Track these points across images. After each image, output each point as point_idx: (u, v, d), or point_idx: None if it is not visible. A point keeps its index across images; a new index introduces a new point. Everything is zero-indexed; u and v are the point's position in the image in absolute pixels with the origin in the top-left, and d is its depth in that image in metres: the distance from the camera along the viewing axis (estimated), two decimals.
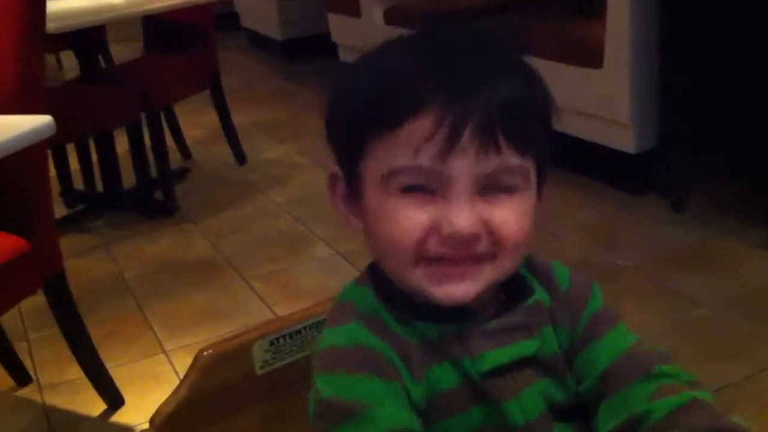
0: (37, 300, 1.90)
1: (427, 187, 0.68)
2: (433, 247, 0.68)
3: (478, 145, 0.66)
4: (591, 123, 2.96)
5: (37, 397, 2.09)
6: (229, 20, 6.18)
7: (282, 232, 2.96)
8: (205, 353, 0.83)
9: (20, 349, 2.19)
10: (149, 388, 2.05)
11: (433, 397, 0.70)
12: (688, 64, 2.63)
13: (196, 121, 4.13)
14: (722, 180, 2.79)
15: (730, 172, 2.76)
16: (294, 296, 2.46)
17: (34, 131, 1.52)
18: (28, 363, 2.19)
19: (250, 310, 2.40)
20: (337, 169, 0.75)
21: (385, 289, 0.74)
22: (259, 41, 6.12)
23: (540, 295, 0.77)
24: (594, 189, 2.99)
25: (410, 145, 0.67)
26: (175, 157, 3.66)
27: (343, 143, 0.74)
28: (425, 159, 0.66)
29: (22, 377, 2.14)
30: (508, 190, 0.69)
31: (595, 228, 2.74)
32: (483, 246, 0.69)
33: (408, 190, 0.68)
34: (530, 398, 0.73)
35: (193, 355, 0.86)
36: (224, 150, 3.76)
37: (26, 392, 2.11)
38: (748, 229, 2.51)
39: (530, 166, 0.71)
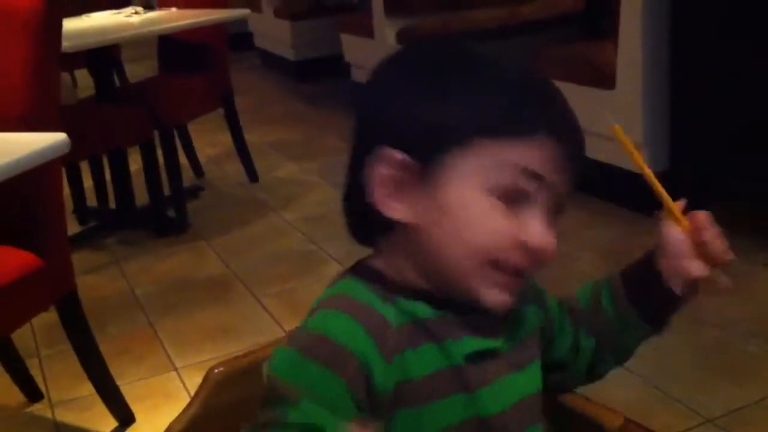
0: (49, 317, 1.91)
1: (522, 195, 0.71)
2: (513, 257, 0.71)
3: (572, 169, 0.73)
4: (604, 144, 2.95)
5: (47, 414, 2.09)
6: (243, 40, 6.22)
7: (293, 251, 2.96)
8: (216, 371, 0.83)
9: (32, 365, 2.20)
10: (160, 406, 2.05)
11: (405, 383, 0.70)
12: (700, 84, 2.63)
13: (209, 139, 4.15)
14: (734, 200, 2.78)
15: (742, 192, 2.75)
16: (305, 315, 2.45)
17: (49, 149, 1.53)
18: (39, 379, 2.19)
19: (260, 328, 2.40)
20: (396, 152, 0.71)
21: (374, 276, 0.75)
22: (272, 61, 6.16)
23: None
24: (607, 209, 2.99)
25: (522, 152, 0.70)
26: (187, 175, 3.68)
27: (436, 128, 0.71)
28: (533, 167, 0.70)
29: (33, 394, 2.14)
30: (562, 208, 0.75)
31: (609, 248, 2.73)
32: (537, 264, 0.73)
33: (505, 192, 0.70)
34: (503, 388, 0.76)
35: (204, 373, 0.86)
36: (237, 168, 3.77)
37: (37, 408, 2.12)
38: (759, 250, 2.50)
39: None
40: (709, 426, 1.80)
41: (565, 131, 0.73)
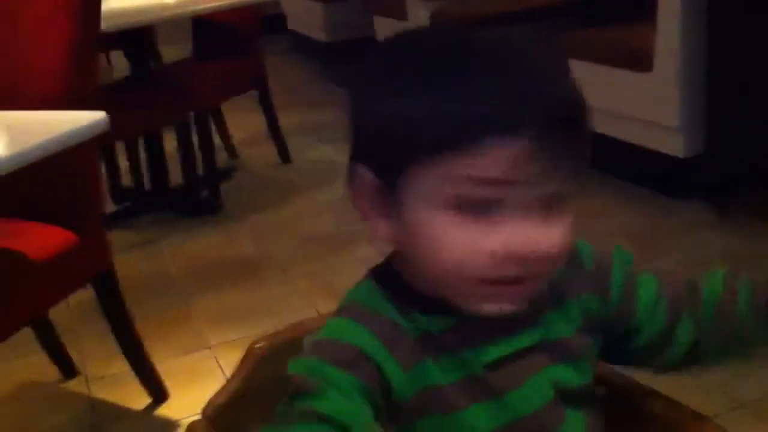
0: (86, 294, 1.93)
1: (484, 203, 0.65)
2: (489, 267, 0.66)
3: (542, 164, 0.64)
4: (639, 127, 2.93)
5: (83, 390, 2.12)
6: (277, 22, 6.22)
7: (325, 232, 2.97)
8: (258, 346, 0.84)
9: (68, 342, 2.23)
10: (193, 383, 2.07)
11: (424, 391, 0.70)
12: (738, 68, 2.59)
13: (242, 121, 4.16)
14: None
15: None
16: (336, 295, 2.43)
17: (89, 127, 1.54)
18: (75, 356, 2.22)
19: (292, 308, 2.42)
20: (366, 172, 0.70)
21: (388, 283, 0.74)
22: (305, 43, 6.15)
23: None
24: (637, 193, 2.96)
25: (471, 161, 0.64)
26: (221, 157, 3.70)
27: (385, 158, 0.69)
28: (486, 173, 0.64)
29: (69, 370, 2.18)
30: (561, 200, 0.68)
31: (638, 232, 2.72)
32: (532, 269, 0.67)
33: (464, 205, 0.65)
34: (535, 387, 0.73)
35: (238, 351, 0.87)
36: (269, 150, 3.79)
37: (73, 385, 2.15)
38: None
39: (578, 177, 0.69)
40: (743, 411, 1.78)
41: (529, 125, 0.63)
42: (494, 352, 0.71)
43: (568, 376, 0.75)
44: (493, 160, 0.63)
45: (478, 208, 0.65)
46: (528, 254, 0.66)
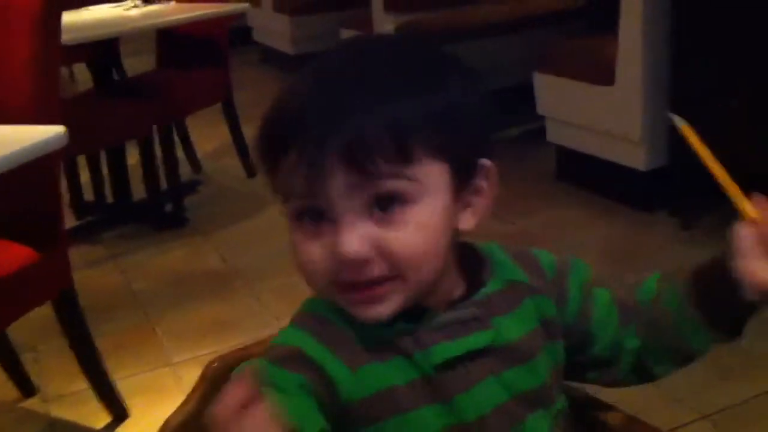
0: (45, 311, 1.90)
1: (316, 211, 0.70)
2: (338, 273, 0.70)
3: (344, 167, 0.67)
4: (602, 140, 2.96)
5: (41, 408, 2.08)
6: (242, 34, 6.20)
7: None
8: (214, 365, 0.83)
9: (26, 360, 2.19)
10: (155, 401, 2.04)
11: (376, 394, 0.71)
12: (700, 81, 2.62)
13: (207, 134, 4.14)
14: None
15: (742, 189, 2.74)
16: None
17: (47, 141, 1.52)
18: (34, 374, 2.18)
19: (259, 323, 2.40)
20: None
21: None
22: (271, 56, 6.14)
23: (509, 275, 0.79)
24: (605, 206, 2.98)
25: (287, 176, 0.69)
26: (185, 170, 3.67)
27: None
28: (299, 185, 0.69)
29: (27, 389, 2.13)
30: (402, 200, 0.69)
31: (605, 244, 2.73)
32: (380, 269, 0.69)
33: (302, 215, 0.71)
34: (484, 392, 0.74)
35: (200, 369, 0.86)
36: (235, 163, 3.76)
37: (31, 403, 2.11)
38: None
39: (430, 172, 0.70)
40: (705, 422, 1.80)
41: (309, 136, 0.68)
42: (443, 353, 0.73)
43: (522, 378, 0.76)
44: (293, 174, 0.68)
45: (308, 218, 0.70)
46: (360, 258, 0.68)
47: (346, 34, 4.84)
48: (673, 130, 2.90)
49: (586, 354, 0.82)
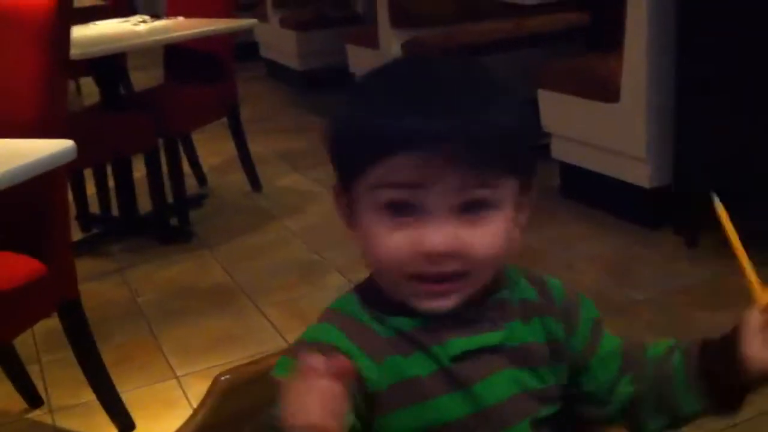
0: (51, 323, 1.91)
1: (405, 204, 0.73)
2: (414, 266, 0.74)
3: (453, 171, 0.71)
4: (607, 157, 2.97)
5: (48, 420, 2.09)
6: (249, 50, 6.23)
7: (296, 260, 2.97)
8: (223, 378, 0.83)
9: (33, 371, 2.20)
10: (160, 414, 2.04)
11: (399, 383, 0.75)
12: (705, 99, 2.63)
13: (213, 148, 4.16)
14: (738, 216, 2.78)
15: (746, 208, 2.74)
16: (308, 324, 2.45)
17: (56, 156, 1.53)
18: (40, 386, 2.19)
19: (263, 338, 2.40)
20: (338, 185, 0.80)
21: (368, 294, 0.81)
22: (277, 71, 6.17)
23: (524, 294, 0.84)
24: (609, 222, 2.99)
25: (393, 169, 0.72)
26: (191, 184, 3.69)
27: (341, 164, 0.79)
28: (405, 179, 0.72)
29: (33, 400, 2.14)
30: (486, 206, 0.74)
31: (610, 261, 2.74)
32: (454, 266, 0.74)
33: (389, 206, 0.74)
34: (499, 382, 0.79)
35: (205, 382, 0.86)
36: (240, 178, 3.78)
37: (37, 415, 2.12)
38: (762, 267, 2.49)
39: (507, 185, 0.76)
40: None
41: (425, 136, 0.71)
42: (459, 346, 0.77)
43: (529, 379, 0.81)
44: (405, 166, 0.71)
45: (402, 211, 0.73)
46: (444, 252, 0.73)
47: (353, 50, 4.87)
48: (678, 149, 2.91)
49: (580, 388, 0.85)
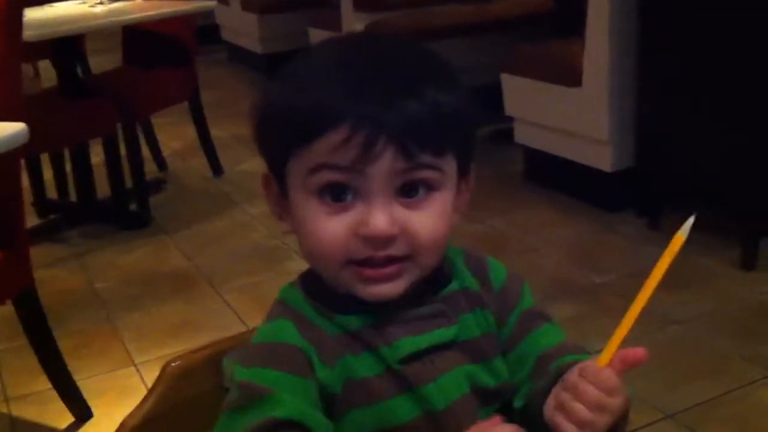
0: (6, 311, 1.87)
1: (344, 187, 0.70)
2: (356, 250, 0.71)
3: (392, 150, 0.69)
4: (570, 141, 2.97)
5: (3, 409, 2.05)
6: (210, 33, 6.16)
7: (257, 246, 2.94)
8: (173, 365, 0.82)
9: None
10: (118, 401, 2.01)
11: (350, 384, 0.73)
12: (666, 84, 2.65)
13: (173, 133, 4.10)
14: (698, 199, 2.80)
15: (706, 191, 2.77)
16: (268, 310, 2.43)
17: (8, 138, 1.50)
18: None
19: (223, 324, 2.37)
20: (268, 174, 0.77)
21: (312, 287, 0.78)
22: (239, 55, 6.11)
23: (465, 283, 0.81)
24: (572, 206, 3.00)
25: (326, 150, 0.69)
26: (151, 169, 3.63)
27: (271, 149, 0.76)
28: (340, 161, 0.69)
29: None
30: (425, 187, 0.72)
31: (573, 245, 2.75)
32: (401, 248, 0.72)
33: (325, 190, 0.71)
34: (450, 381, 0.76)
35: None
36: (201, 162, 3.74)
37: None
38: (723, 249, 2.52)
39: (447, 165, 0.73)
40: (669, 422, 1.81)
41: (367, 113, 0.68)
42: (407, 348, 0.75)
43: (482, 375, 0.78)
44: (343, 149, 0.68)
45: (340, 195, 0.71)
46: (388, 235, 0.70)
47: (315, 33, 4.83)
48: (639, 133, 2.93)
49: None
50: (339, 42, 0.79)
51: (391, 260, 0.72)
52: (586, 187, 3.01)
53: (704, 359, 2.03)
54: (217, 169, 3.72)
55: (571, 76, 2.87)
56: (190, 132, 3.74)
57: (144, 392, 0.84)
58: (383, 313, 0.75)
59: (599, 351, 0.70)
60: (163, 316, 2.48)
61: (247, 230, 3.08)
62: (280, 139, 0.73)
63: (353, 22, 4.28)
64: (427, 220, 0.72)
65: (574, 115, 2.91)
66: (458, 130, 0.74)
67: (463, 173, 0.77)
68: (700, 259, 2.47)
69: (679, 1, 2.54)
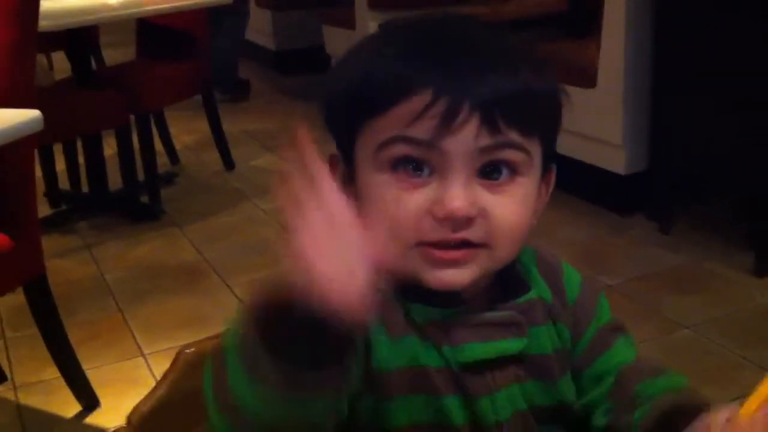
0: (17, 299, 1.88)
1: (420, 163, 0.66)
2: (429, 230, 0.66)
3: (477, 122, 0.64)
4: (583, 143, 2.96)
5: (11, 396, 2.05)
6: None
7: (267, 240, 2.93)
8: (187, 351, 0.81)
9: None
10: (126, 391, 2.01)
11: (412, 369, 0.69)
12: (681, 85, 2.63)
13: (186, 126, 4.11)
14: (711, 203, 2.79)
15: (719, 195, 2.76)
16: None
17: (22, 125, 1.50)
18: (4, 362, 2.15)
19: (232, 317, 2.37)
20: (336, 151, 0.72)
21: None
22: (252, 51, 6.11)
23: (540, 292, 0.75)
24: (583, 208, 2.99)
25: (404, 120, 0.65)
26: (163, 162, 3.64)
27: (339, 126, 0.71)
28: (419, 132, 0.65)
29: None
30: (509, 169, 0.67)
31: (584, 247, 2.74)
32: (477, 233, 0.67)
33: (399, 164, 0.66)
34: (505, 399, 0.72)
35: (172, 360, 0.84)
36: (213, 156, 3.74)
37: (0, 391, 2.08)
38: (734, 253, 2.51)
39: (533, 148, 0.68)
40: None
41: (452, 85, 0.64)
42: (472, 353, 0.70)
43: (542, 395, 0.74)
44: (423, 121, 0.64)
45: (411, 168, 0.66)
46: (465, 215, 0.65)
47: (329, 31, 4.82)
48: (654, 135, 2.90)
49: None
50: (420, 19, 0.73)
51: (464, 244, 0.66)
52: (598, 189, 3.00)
53: (716, 365, 2.02)
54: (229, 163, 3.72)
55: (585, 78, 2.86)
56: (203, 126, 3.74)
57: (152, 383, 0.83)
58: (453, 310, 0.71)
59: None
60: (172, 308, 2.48)
61: (258, 225, 3.08)
62: (354, 108, 0.68)
63: (367, 20, 4.27)
64: (509, 205, 0.67)
65: (588, 116, 2.90)
66: (548, 113, 0.70)
67: (545, 167, 0.72)
68: (713, 264, 2.46)
69: (696, 3, 2.53)
